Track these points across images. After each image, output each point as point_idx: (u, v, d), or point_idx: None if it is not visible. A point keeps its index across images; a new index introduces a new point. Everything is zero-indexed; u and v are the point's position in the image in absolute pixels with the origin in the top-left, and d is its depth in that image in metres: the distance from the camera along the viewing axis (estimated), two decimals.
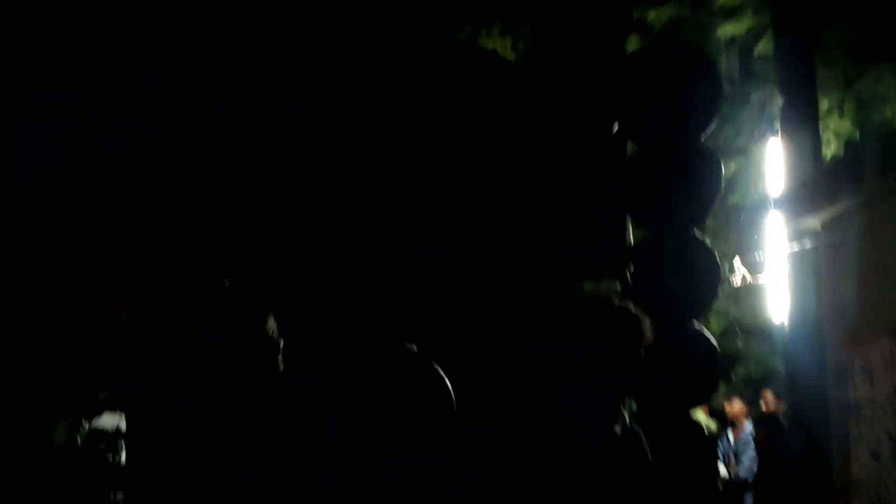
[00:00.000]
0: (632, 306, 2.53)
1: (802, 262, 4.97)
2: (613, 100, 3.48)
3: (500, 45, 8.75)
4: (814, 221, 4.63)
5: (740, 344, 8.70)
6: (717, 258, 3.52)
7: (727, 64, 7.25)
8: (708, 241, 8.17)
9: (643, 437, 2.60)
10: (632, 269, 3.61)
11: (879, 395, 3.93)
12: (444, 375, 2.79)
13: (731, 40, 6.74)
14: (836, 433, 4.40)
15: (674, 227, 3.49)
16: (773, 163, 6.10)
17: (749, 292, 7.96)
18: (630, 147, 3.69)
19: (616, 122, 3.50)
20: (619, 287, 3.79)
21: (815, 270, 4.79)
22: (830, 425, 4.48)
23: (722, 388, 8.75)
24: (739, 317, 8.42)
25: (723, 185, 3.48)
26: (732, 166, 7.27)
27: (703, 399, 3.77)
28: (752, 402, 7.34)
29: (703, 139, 3.46)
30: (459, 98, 3.25)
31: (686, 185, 3.43)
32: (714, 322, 8.70)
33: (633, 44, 7.51)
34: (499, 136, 3.34)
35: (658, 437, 3.49)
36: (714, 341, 3.54)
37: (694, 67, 3.31)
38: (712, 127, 3.41)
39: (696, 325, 3.56)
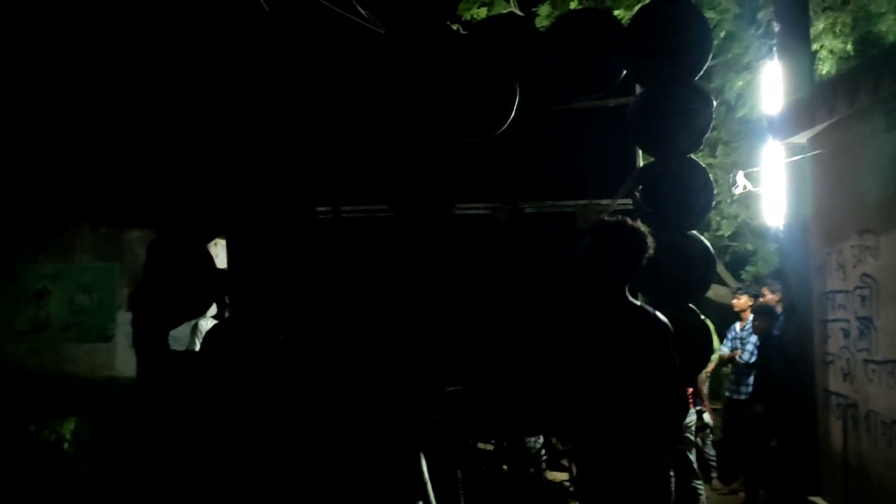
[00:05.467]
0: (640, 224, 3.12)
1: (795, 173, 5.58)
2: (622, 50, 4.12)
3: None
4: (802, 136, 5.25)
5: (749, 245, 9.29)
6: (710, 177, 4.25)
7: None
8: (719, 152, 8.89)
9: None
10: (640, 188, 4.37)
11: (849, 285, 4.64)
12: None
13: None
14: (818, 318, 5.14)
15: (673, 153, 4.21)
16: (770, 83, 6.62)
17: (758, 197, 8.56)
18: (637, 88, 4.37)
19: (624, 68, 4.16)
20: (630, 203, 4.57)
21: (804, 180, 5.41)
22: (813, 312, 5.20)
23: (733, 284, 9.50)
24: (749, 220, 9.01)
25: (713, 116, 4.12)
26: (740, 82, 7.76)
27: (701, 292, 4.49)
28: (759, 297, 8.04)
29: (696, 79, 4.12)
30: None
31: (683, 117, 4.14)
32: (725, 225, 9.35)
33: None
34: (536, 92, 4.05)
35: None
36: (707, 245, 4.31)
37: (687, 20, 3.96)
38: (703, 69, 4.07)
39: (693, 232, 4.33)
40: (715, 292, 9.79)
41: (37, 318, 11.78)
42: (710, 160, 8.95)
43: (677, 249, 4.24)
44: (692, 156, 4.34)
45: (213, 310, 5.59)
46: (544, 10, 9.31)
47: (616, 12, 8.23)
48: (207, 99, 4.13)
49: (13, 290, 11.83)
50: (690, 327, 4.21)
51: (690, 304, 4.27)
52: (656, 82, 4.10)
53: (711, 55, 7.73)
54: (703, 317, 4.33)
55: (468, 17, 9.71)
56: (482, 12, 9.57)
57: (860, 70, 4.46)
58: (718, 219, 9.22)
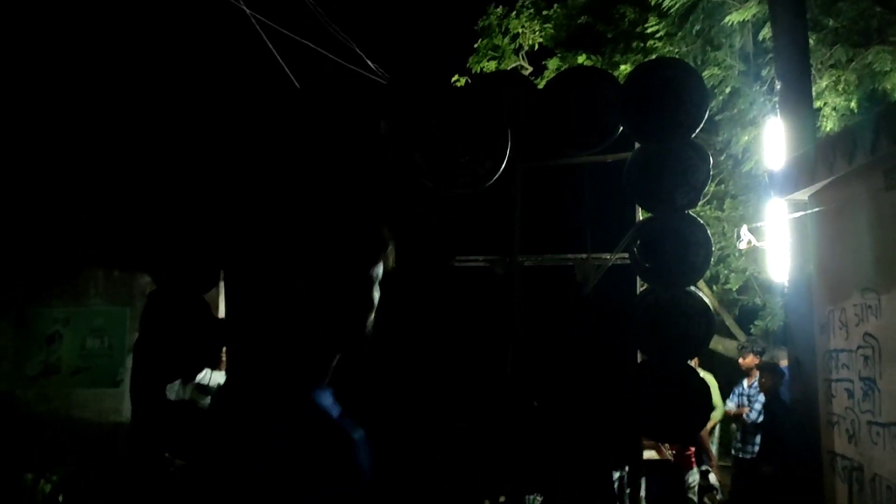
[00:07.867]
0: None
1: (798, 229, 5.55)
2: (620, 107, 4.15)
3: (529, 26, 9.36)
4: (803, 193, 5.23)
5: (758, 299, 9.19)
6: (709, 234, 4.23)
7: (741, 41, 7.72)
8: (727, 205, 8.82)
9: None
10: (638, 243, 4.35)
11: (852, 344, 4.56)
12: None
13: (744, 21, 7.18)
14: (822, 377, 5.05)
15: (671, 209, 4.20)
16: (773, 139, 6.63)
17: (764, 251, 8.49)
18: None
19: (621, 125, 4.19)
20: (628, 258, 4.55)
21: (807, 237, 5.37)
22: (817, 371, 5.11)
23: (742, 338, 9.37)
24: (757, 274, 8.92)
25: (710, 172, 4.12)
26: (746, 136, 7.79)
27: (701, 348, 4.43)
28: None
29: (693, 136, 4.13)
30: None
31: (680, 174, 4.14)
32: (733, 279, 9.27)
33: (650, 24, 8.08)
34: (536, 147, 4.06)
35: (662, 381, 4.26)
36: (707, 301, 4.27)
37: (685, 80, 3.98)
38: (700, 126, 4.08)
39: (692, 288, 4.29)
40: (724, 346, 9.67)
41: (48, 363, 11.77)
42: (718, 213, 8.94)
43: (676, 306, 4.20)
44: (691, 211, 4.33)
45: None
46: (553, 63, 9.46)
47: (622, 67, 8.34)
48: (210, 153, 4.18)
49: (26, 334, 11.85)
50: (689, 386, 4.14)
51: (689, 363, 4.21)
52: (653, 139, 4.11)
53: (718, 109, 7.82)
54: (702, 374, 4.27)
55: (478, 70, 9.88)
56: (492, 65, 9.73)
57: (857, 129, 4.46)
58: (726, 272, 9.16)
